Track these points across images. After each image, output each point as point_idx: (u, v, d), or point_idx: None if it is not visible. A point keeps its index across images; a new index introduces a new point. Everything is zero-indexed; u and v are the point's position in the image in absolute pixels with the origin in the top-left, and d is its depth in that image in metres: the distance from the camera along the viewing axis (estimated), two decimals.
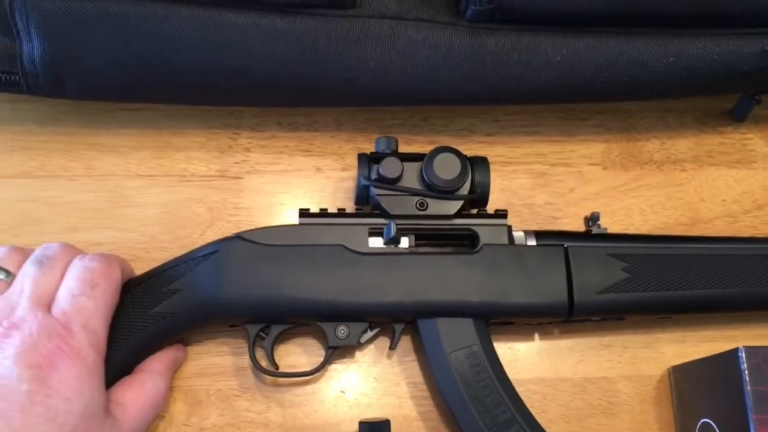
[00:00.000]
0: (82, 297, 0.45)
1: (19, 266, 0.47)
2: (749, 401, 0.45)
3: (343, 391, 0.54)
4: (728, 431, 0.47)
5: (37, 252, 0.47)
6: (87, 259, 0.47)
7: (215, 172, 0.58)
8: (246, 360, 0.53)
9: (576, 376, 0.55)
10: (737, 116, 0.61)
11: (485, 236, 0.52)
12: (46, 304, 0.45)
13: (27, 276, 0.46)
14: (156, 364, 0.50)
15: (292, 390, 0.54)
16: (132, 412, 0.47)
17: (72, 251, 0.48)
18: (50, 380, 0.42)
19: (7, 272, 0.47)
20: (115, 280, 0.47)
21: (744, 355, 0.46)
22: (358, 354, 0.55)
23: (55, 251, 0.47)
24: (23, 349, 0.42)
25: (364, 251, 0.51)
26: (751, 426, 0.45)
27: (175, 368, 0.52)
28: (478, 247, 0.51)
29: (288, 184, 0.59)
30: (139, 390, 0.48)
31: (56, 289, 0.46)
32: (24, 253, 0.48)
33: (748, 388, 0.45)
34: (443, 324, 0.50)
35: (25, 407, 0.41)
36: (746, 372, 0.46)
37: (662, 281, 0.51)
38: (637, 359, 0.56)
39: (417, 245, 0.52)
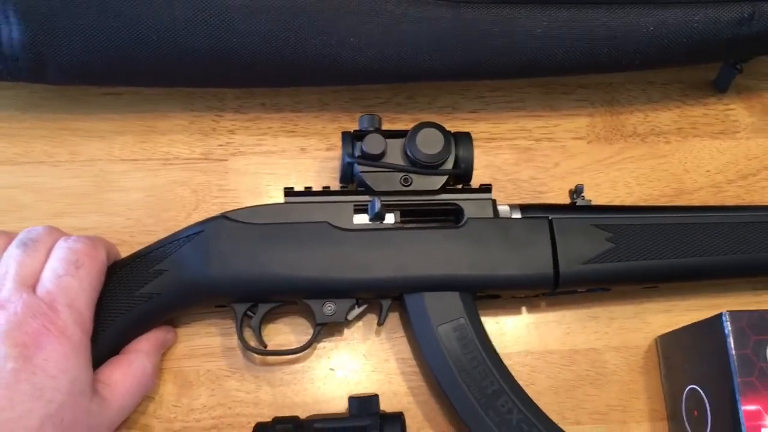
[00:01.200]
0: (66, 277, 0.45)
1: (4, 249, 0.47)
2: (734, 365, 0.45)
3: (332, 369, 0.54)
4: (714, 396, 0.47)
5: (21, 235, 0.47)
6: (71, 240, 0.47)
7: (199, 154, 0.58)
8: (234, 340, 0.54)
9: (564, 347, 0.55)
10: (720, 87, 0.62)
11: (470, 210, 0.52)
12: (30, 284, 0.45)
13: (11, 258, 0.46)
14: (143, 345, 0.50)
15: (282, 369, 0.54)
16: (119, 391, 0.47)
17: (56, 233, 0.48)
18: (36, 358, 0.42)
19: None
20: (100, 260, 0.47)
21: (728, 319, 0.46)
22: (346, 331, 0.55)
23: (40, 233, 0.47)
24: (8, 328, 0.42)
25: (349, 228, 0.51)
26: (737, 389, 0.45)
27: (164, 349, 0.52)
28: (463, 221, 0.51)
29: (273, 165, 0.59)
30: (126, 370, 0.48)
31: (41, 270, 0.46)
32: (8, 236, 0.48)
33: (733, 352, 0.46)
34: (430, 298, 0.50)
35: (10, 385, 0.41)
36: (730, 336, 0.46)
37: (646, 250, 0.52)
38: (625, 330, 0.56)
39: (402, 221, 0.52)
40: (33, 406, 0.41)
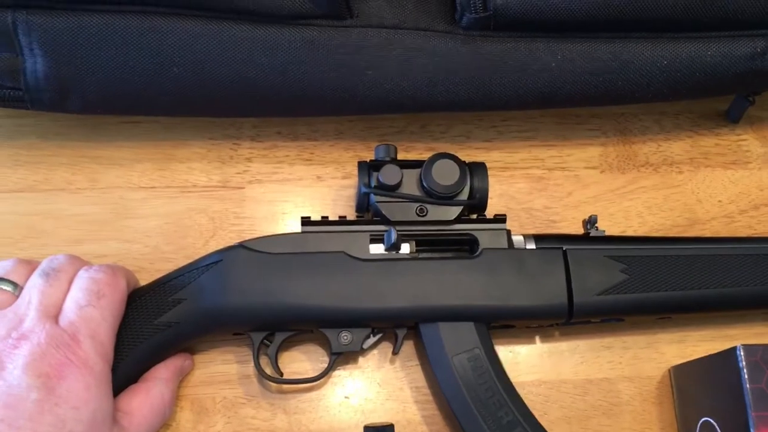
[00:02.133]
0: (88, 307, 0.46)
1: (26, 278, 0.47)
2: (748, 399, 0.46)
3: (347, 397, 0.54)
4: (729, 429, 0.48)
5: (44, 264, 0.48)
6: (93, 269, 0.48)
7: (217, 182, 0.59)
8: (251, 368, 0.54)
9: (577, 377, 0.56)
10: (732, 118, 0.62)
11: (485, 241, 0.53)
12: (53, 315, 0.45)
13: (34, 288, 0.46)
14: (162, 372, 0.50)
15: (297, 397, 0.54)
16: (138, 419, 0.47)
17: (78, 262, 0.49)
18: (58, 389, 0.42)
19: (15, 284, 0.47)
20: (121, 290, 0.48)
21: (742, 353, 0.46)
22: (361, 360, 0.55)
23: (62, 263, 0.48)
24: (32, 359, 0.43)
25: (365, 258, 0.51)
26: (751, 423, 0.45)
27: (182, 377, 0.53)
28: (478, 252, 0.52)
29: (289, 192, 0.59)
30: (145, 397, 0.49)
31: (63, 300, 0.46)
32: (30, 265, 0.49)
33: (747, 386, 0.46)
34: (445, 328, 0.51)
35: (33, 416, 0.41)
36: (745, 370, 0.46)
37: (660, 282, 0.52)
38: (638, 360, 0.56)
39: (418, 251, 0.53)
40: None
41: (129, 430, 0.47)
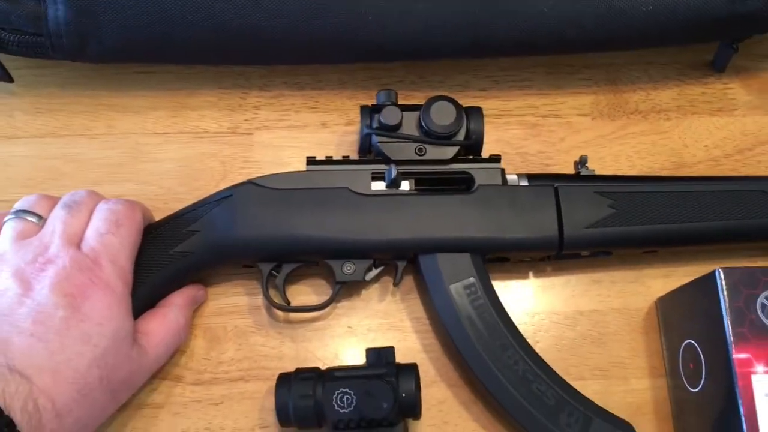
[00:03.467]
0: (108, 235, 0.49)
1: (49, 211, 0.51)
2: (726, 318, 0.49)
3: (350, 327, 0.58)
4: (709, 347, 0.51)
5: (65, 197, 0.51)
6: (111, 202, 0.51)
7: (227, 128, 0.62)
8: (260, 300, 0.57)
9: (568, 309, 0.59)
10: (718, 67, 0.65)
11: (480, 178, 0.56)
12: (76, 242, 0.49)
13: (57, 218, 0.50)
14: (177, 299, 0.54)
15: (304, 326, 0.57)
16: (156, 340, 0.51)
17: (97, 197, 0.52)
18: (83, 307, 0.46)
19: (39, 216, 0.50)
20: (138, 221, 0.52)
21: (722, 275, 0.50)
22: (364, 293, 0.59)
23: (82, 196, 0.51)
24: (57, 280, 0.46)
25: (368, 193, 0.55)
26: (729, 339, 0.48)
27: (196, 306, 0.56)
28: (474, 188, 0.55)
29: (295, 138, 0.63)
30: (162, 321, 0.52)
31: (84, 230, 0.50)
32: (53, 200, 0.52)
33: (726, 305, 0.49)
34: (443, 259, 0.54)
35: (61, 331, 0.45)
36: (724, 290, 0.49)
37: (646, 216, 0.55)
38: (626, 293, 0.59)
39: (417, 189, 0.56)
40: (82, 350, 0.45)
41: (147, 348, 0.50)
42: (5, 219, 0.50)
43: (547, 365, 0.53)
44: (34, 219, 0.50)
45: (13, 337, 0.44)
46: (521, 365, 0.52)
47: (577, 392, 0.52)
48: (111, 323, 0.47)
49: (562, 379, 0.52)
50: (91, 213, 0.51)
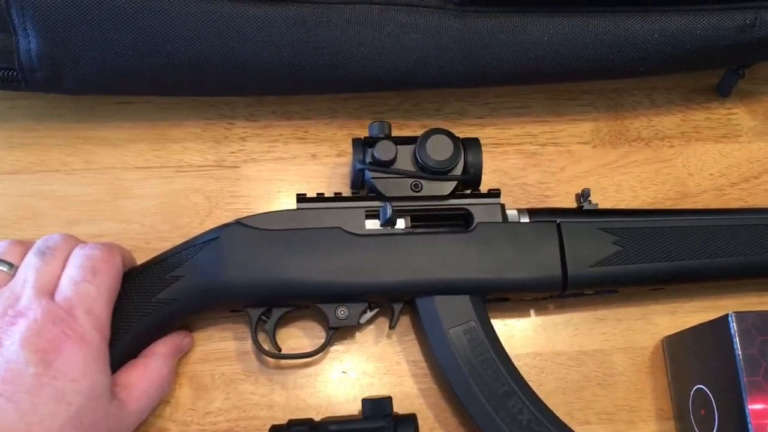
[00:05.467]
0: (84, 283, 0.46)
1: (21, 258, 0.48)
2: (740, 365, 0.46)
3: (344, 372, 0.55)
4: (721, 395, 0.48)
5: (38, 243, 0.48)
6: (88, 247, 0.48)
7: (212, 162, 0.59)
8: (248, 345, 0.55)
9: (572, 349, 0.56)
10: (722, 92, 0.63)
11: (479, 215, 0.53)
12: (49, 292, 0.46)
13: (29, 266, 0.46)
14: (160, 349, 0.51)
15: (295, 372, 0.55)
16: (136, 393, 0.48)
17: (72, 241, 0.49)
18: (56, 363, 0.43)
19: (10, 264, 0.47)
20: (116, 266, 0.49)
21: (734, 320, 0.47)
22: (358, 335, 0.56)
23: (56, 241, 0.48)
24: (29, 335, 0.43)
25: (361, 233, 0.52)
26: (743, 389, 0.46)
27: (181, 354, 0.53)
28: (473, 226, 0.52)
29: (284, 171, 0.60)
30: (143, 372, 0.49)
31: (59, 278, 0.47)
32: (25, 245, 0.49)
33: (739, 352, 0.47)
34: (441, 301, 0.51)
35: (32, 390, 0.42)
36: (736, 336, 0.47)
37: (653, 253, 0.53)
38: (631, 331, 0.57)
39: (413, 226, 0.53)
40: (55, 410, 0.42)
41: (127, 403, 0.47)
42: None
43: (553, 413, 0.50)
44: (4, 268, 0.47)
45: None
46: (525, 414, 0.50)
47: None
48: (86, 379, 0.44)
49: (568, 428, 0.50)
50: (66, 259, 0.48)
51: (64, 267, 0.47)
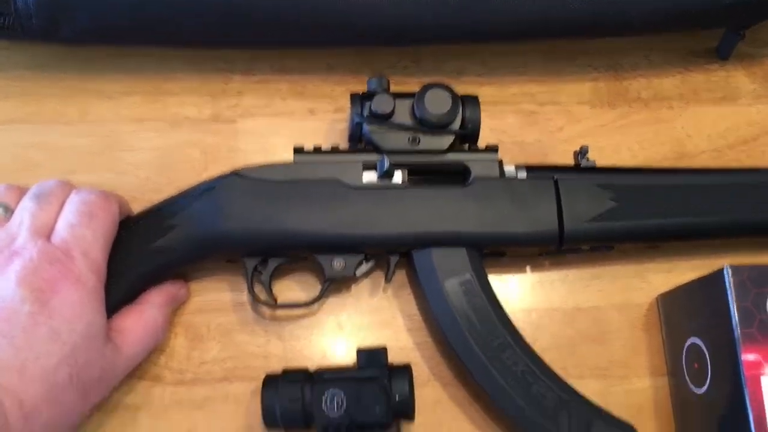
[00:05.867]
0: (80, 227, 0.46)
1: (17, 202, 0.48)
2: (735, 317, 0.46)
3: (340, 325, 0.55)
4: (715, 348, 0.49)
5: (34, 188, 0.48)
6: (84, 192, 0.48)
7: (208, 116, 0.59)
8: (244, 296, 0.55)
9: (567, 306, 0.56)
10: (722, 54, 0.63)
11: (477, 170, 0.53)
12: (45, 234, 0.46)
13: (25, 210, 0.47)
14: (155, 297, 0.51)
15: (291, 324, 0.55)
16: (130, 338, 0.48)
17: (68, 187, 0.49)
18: (52, 302, 0.43)
19: (6, 207, 0.47)
20: (113, 212, 0.49)
21: (730, 273, 0.47)
22: (354, 289, 0.56)
23: (52, 187, 0.48)
24: (25, 273, 0.43)
25: (358, 185, 0.52)
26: (737, 340, 0.46)
27: (176, 304, 0.53)
28: (470, 180, 0.52)
29: (282, 126, 0.59)
30: (138, 318, 0.49)
31: (54, 221, 0.47)
32: (21, 190, 0.49)
33: (734, 304, 0.47)
34: (437, 254, 0.51)
35: (27, 327, 0.42)
36: (732, 289, 0.47)
37: (649, 210, 0.53)
38: (627, 289, 0.57)
39: (410, 180, 0.53)
40: (50, 348, 0.42)
41: (121, 347, 0.47)
42: None
43: (547, 365, 0.50)
44: (0, 210, 0.47)
45: None
46: (520, 365, 0.50)
47: (578, 393, 0.50)
48: (82, 319, 0.44)
49: (563, 379, 0.50)
50: (62, 204, 0.48)
51: (60, 211, 0.47)
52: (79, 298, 0.44)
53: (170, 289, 0.52)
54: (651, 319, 0.56)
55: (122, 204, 0.51)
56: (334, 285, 0.55)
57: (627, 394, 0.54)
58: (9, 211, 0.47)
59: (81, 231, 0.46)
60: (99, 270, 0.46)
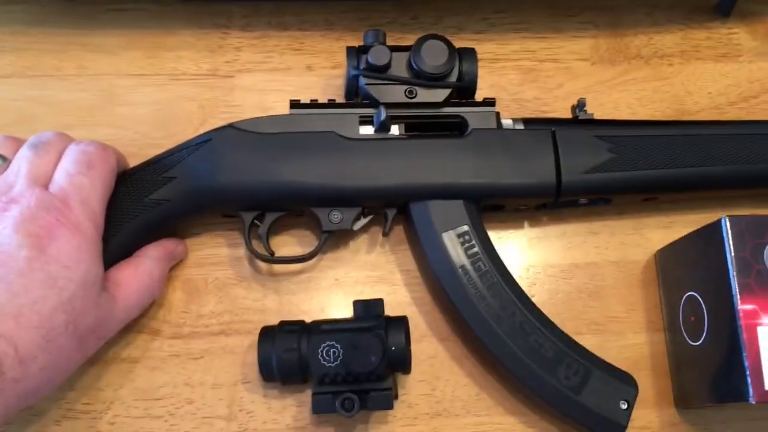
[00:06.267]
0: (78, 176, 0.46)
1: (14, 152, 0.48)
2: (732, 267, 0.46)
3: (337, 279, 0.55)
4: (712, 299, 0.48)
5: (32, 138, 0.48)
6: (83, 143, 0.48)
7: (206, 70, 0.59)
8: (241, 251, 0.55)
9: (564, 261, 0.56)
10: (723, 11, 0.62)
11: (474, 122, 0.53)
12: (43, 183, 0.46)
13: (23, 158, 0.46)
14: (152, 251, 0.51)
15: (288, 278, 0.55)
16: (126, 290, 0.48)
17: (66, 138, 0.49)
18: (49, 249, 0.43)
19: (3, 157, 0.47)
20: (111, 162, 0.48)
21: (728, 223, 0.47)
22: (351, 244, 0.56)
23: (50, 137, 0.48)
24: (22, 219, 0.43)
25: (355, 137, 0.51)
26: (734, 290, 0.46)
27: (173, 261, 0.53)
28: (468, 132, 0.52)
29: (279, 81, 0.59)
30: (134, 272, 0.49)
31: (52, 171, 0.47)
32: (19, 141, 0.49)
33: (732, 254, 0.47)
34: (435, 206, 0.51)
35: (24, 272, 0.42)
36: (730, 238, 0.47)
37: (646, 161, 0.52)
38: (624, 245, 0.57)
39: (407, 134, 0.53)
40: (46, 294, 0.42)
41: (117, 298, 0.47)
42: None
43: (545, 316, 0.50)
44: None
45: None
46: (518, 316, 0.50)
47: (576, 344, 0.50)
48: (79, 266, 0.44)
49: (561, 330, 0.50)
50: (59, 154, 0.47)
51: (57, 161, 0.47)
52: (76, 246, 0.44)
53: (168, 245, 0.52)
54: (648, 275, 0.56)
55: (120, 157, 0.51)
56: (332, 240, 0.55)
57: (623, 349, 0.54)
58: (6, 161, 0.47)
59: (79, 179, 0.46)
60: (96, 219, 0.46)
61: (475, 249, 0.51)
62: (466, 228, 0.51)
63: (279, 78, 0.59)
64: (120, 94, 0.58)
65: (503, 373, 0.51)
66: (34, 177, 0.45)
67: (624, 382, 0.49)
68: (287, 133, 0.51)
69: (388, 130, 0.52)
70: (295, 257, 0.53)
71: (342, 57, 0.59)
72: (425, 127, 0.53)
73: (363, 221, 0.53)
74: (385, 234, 0.53)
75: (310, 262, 0.54)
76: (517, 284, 0.51)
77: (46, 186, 0.46)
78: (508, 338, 0.49)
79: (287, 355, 0.49)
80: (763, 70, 0.62)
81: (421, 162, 0.51)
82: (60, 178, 0.46)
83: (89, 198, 0.46)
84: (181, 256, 0.54)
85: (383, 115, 0.51)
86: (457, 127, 0.53)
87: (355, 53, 0.53)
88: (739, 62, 0.62)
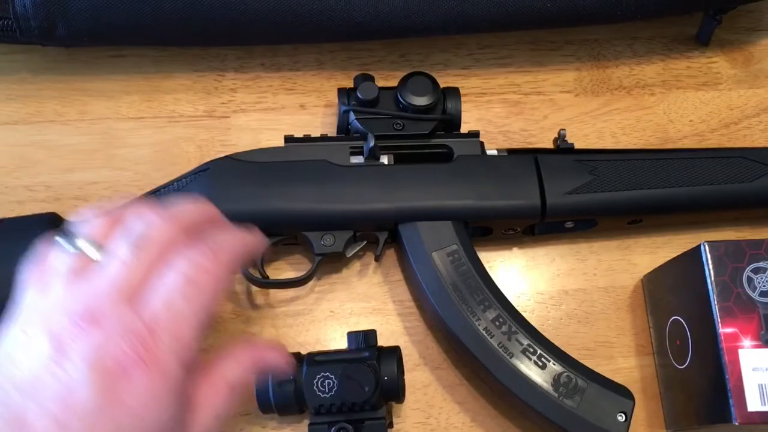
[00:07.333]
0: (180, 301, 0.36)
1: (109, 236, 0.38)
2: (712, 291, 0.48)
3: (332, 311, 0.57)
4: (695, 323, 0.50)
5: (134, 224, 0.38)
6: (198, 249, 0.38)
7: (203, 112, 0.61)
8: (239, 286, 0.56)
9: (553, 288, 0.58)
10: (702, 40, 0.64)
11: (460, 150, 0.55)
12: (134, 296, 0.36)
13: (118, 259, 0.36)
14: (232, 349, 0.42)
15: (285, 312, 0.56)
16: (203, 415, 0.38)
17: (175, 231, 0.38)
18: (123, 393, 0.34)
19: (98, 246, 0.37)
20: (225, 282, 0.39)
21: (707, 248, 0.49)
22: (345, 273, 0.57)
23: (156, 228, 0.38)
24: (99, 355, 0.34)
25: (346, 164, 0.54)
26: (716, 314, 0.47)
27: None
28: (454, 158, 0.54)
29: (273, 120, 0.61)
30: (210, 384, 0.39)
31: (148, 280, 0.36)
32: (115, 219, 0.38)
33: (712, 278, 0.48)
34: (424, 226, 0.53)
35: (86, 417, 0.33)
36: (709, 264, 0.48)
37: (627, 182, 0.54)
38: (612, 271, 0.58)
39: (396, 164, 0.55)
40: None
41: (192, 427, 0.38)
42: (56, 238, 0.38)
43: (535, 329, 0.51)
44: (93, 252, 0.37)
45: (29, 415, 0.33)
46: (510, 331, 0.50)
47: (569, 357, 0.50)
48: (151, 414, 0.35)
49: (553, 344, 0.51)
50: (162, 256, 0.37)
51: (158, 264, 0.37)
52: (153, 393, 0.34)
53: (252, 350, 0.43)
54: (636, 300, 0.57)
55: (250, 252, 0.43)
56: (326, 269, 0.56)
57: (613, 374, 0.54)
58: (101, 250, 0.37)
59: (179, 306, 0.36)
60: (187, 355, 0.36)
61: (465, 266, 0.52)
62: (455, 247, 0.52)
63: (273, 117, 0.61)
64: (120, 136, 0.60)
65: (498, 390, 0.51)
66: (127, 291, 0.35)
67: (620, 394, 0.49)
68: (281, 162, 0.53)
69: (378, 158, 0.54)
70: (289, 280, 0.55)
71: (333, 95, 0.61)
72: (413, 157, 0.55)
73: (356, 248, 0.54)
74: (377, 258, 0.55)
75: (306, 296, 0.56)
76: (507, 300, 0.52)
77: (136, 300, 0.36)
78: (501, 352, 0.50)
79: (284, 387, 0.50)
80: (742, 97, 0.64)
81: (409, 186, 0.53)
82: (155, 298, 0.36)
83: (183, 331, 0.36)
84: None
85: (372, 143, 0.53)
86: (444, 157, 0.55)
87: (345, 93, 0.56)
88: (719, 90, 0.64)
